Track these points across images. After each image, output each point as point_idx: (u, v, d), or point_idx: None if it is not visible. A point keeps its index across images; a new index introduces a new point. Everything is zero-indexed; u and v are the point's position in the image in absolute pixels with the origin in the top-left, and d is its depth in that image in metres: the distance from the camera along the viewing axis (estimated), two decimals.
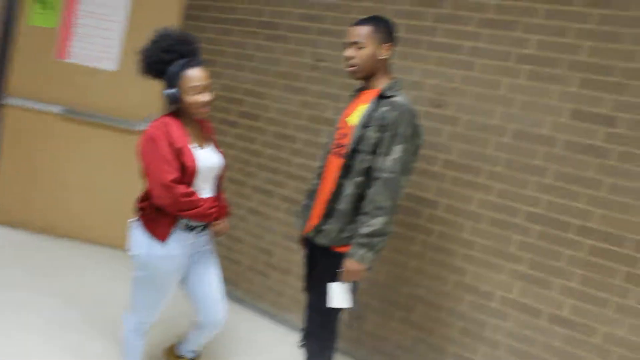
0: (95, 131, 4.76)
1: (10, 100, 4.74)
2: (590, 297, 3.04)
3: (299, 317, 4.06)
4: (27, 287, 3.83)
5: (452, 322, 3.45)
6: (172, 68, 2.60)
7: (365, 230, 2.46)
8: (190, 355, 3.19)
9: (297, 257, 4.05)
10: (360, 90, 2.73)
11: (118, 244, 4.91)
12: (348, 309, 2.67)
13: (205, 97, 2.61)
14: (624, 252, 2.95)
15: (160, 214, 2.62)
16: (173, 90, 2.59)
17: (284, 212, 4.14)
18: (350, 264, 2.50)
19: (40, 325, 3.40)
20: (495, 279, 3.31)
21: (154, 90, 4.58)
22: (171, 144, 2.55)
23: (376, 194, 2.45)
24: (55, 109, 4.72)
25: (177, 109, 2.65)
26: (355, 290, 2.69)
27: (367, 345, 3.76)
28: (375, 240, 2.46)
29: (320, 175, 2.83)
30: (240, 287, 4.37)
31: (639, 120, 2.90)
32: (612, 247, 2.98)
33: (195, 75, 2.58)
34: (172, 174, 2.52)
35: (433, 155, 3.48)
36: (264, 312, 4.23)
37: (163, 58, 2.61)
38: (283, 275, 4.15)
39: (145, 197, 2.67)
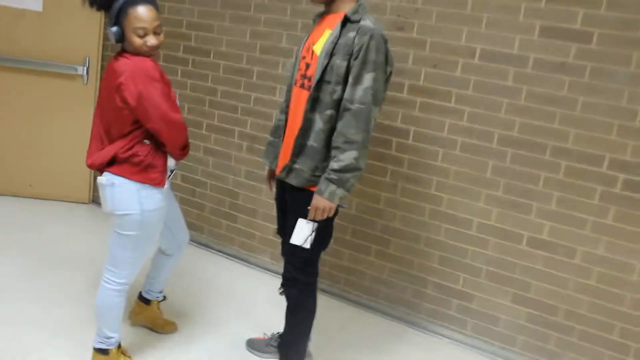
0: (29, 78, 4.47)
1: None
2: (568, 218, 3.05)
3: (271, 258, 4.01)
4: None
5: (431, 252, 3.44)
6: (116, 3, 2.36)
7: (335, 165, 2.33)
8: (160, 297, 3.12)
9: (264, 197, 3.96)
10: (322, 15, 2.54)
11: (74, 198, 4.74)
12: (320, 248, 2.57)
13: (151, 40, 2.39)
14: (600, 171, 2.94)
15: (157, 158, 2.48)
16: (114, 29, 2.38)
17: (246, 151, 4.01)
18: (318, 201, 2.38)
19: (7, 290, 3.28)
20: (473, 206, 3.29)
21: (87, 28, 4.31)
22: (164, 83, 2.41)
23: (346, 127, 2.31)
24: None
25: (132, 48, 2.42)
26: (330, 230, 2.62)
27: (342, 281, 3.75)
28: (346, 176, 2.34)
29: (284, 111, 2.69)
30: (206, 231, 4.28)
31: (612, 35, 2.82)
32: (588, 167, 2.96)
33: (139, 14, 2.33)
34: (180, 113, 2.46)
35: (399, 81, 3.36)
36: (234, 256, 4.16)
37: None
38: (250, 216, 4.06)
39: (130, 145, 2.43)
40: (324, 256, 3.76)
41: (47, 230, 4.17)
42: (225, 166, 4.12)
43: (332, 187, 2.34)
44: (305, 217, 2.46)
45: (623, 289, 2.98)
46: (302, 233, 2.45)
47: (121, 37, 2.40)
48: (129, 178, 2.44)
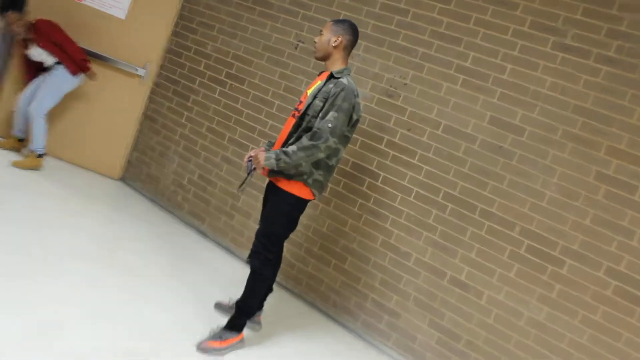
0: (100, 70, 5.54)
1: None
2: (482, 266, 3.95)
3: None
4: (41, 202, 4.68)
5: (375, 274, 4.35)
6: None
7: (284, 149, 3.30)
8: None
9: (259, 204, 4.92)
10: (322, 71, 3.59)
11: (107, 172, 5.77)
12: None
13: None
14: (512, 235, 3.85)
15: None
16: None
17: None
18: (261, 156, 3.29)
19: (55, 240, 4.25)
20: (414, 243, 4.20)
21: (155, 40, 5.41)
22: None
23: (305, 136, 3.28)
24: None
25: None
26: (294, 224, 3.55)
27: (304, 284, 4.66)
28: (283, 157, 3.25)
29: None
30: (206, 222, 5.26)
31: (538, 133, 3.78)
32: (504, 230, 3.88)
33: None
34: None
35: (380, 135, 4.35)
36: (224, 248, 5.11)
37: None
38: (245, 218, 5.03)
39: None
40: (293, 261, 4.69)
41: (85, 194, 5.20)
42: (235, 173, 5.11)
43: (273, 156, 3.27)
44: (273, 207, 3.47)
45: (512, 330, 3.83)
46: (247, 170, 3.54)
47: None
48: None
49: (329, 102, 3.28)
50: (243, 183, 3.73)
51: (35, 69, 5.33)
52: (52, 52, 5.15)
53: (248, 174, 3.57)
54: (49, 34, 5.11)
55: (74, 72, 5.22)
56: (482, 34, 4.01)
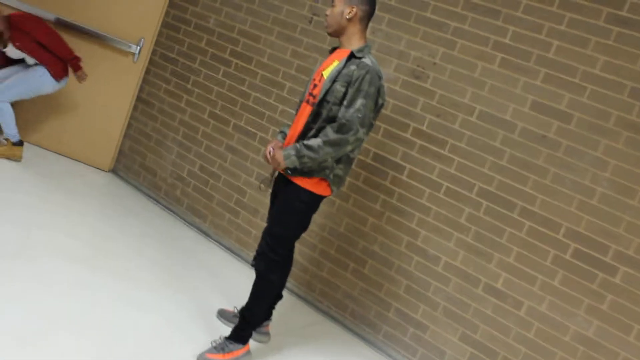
0: (87, 45, 5.49)
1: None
2: (521, 273, 3.85)
3: None
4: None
5: (399, 280, 4.27)
6: None
7: (306, 142, 3.21)
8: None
9: (267, 200, 4.85)
10: (336, 48, 3.49)
11: (96, 163, 5.73)
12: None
13: None
14: (556, 237, 3.74)
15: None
16: None
17: (263, 155, 4.93)
18: (278, 154, 3.24)
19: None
20: (444, 245, 4.12)
21: (149, 12, 5.36)
22: None
23: (330, 128, 3.19)
24: (49, 16, 5.43)
25: None
26: (306, 223, 3.47)
27: (318, 291, 4.60)
28: (306, 152, 3.18)
29: (293, 120, 3.61)
30: (208, 220, 5.21)
31: (590, 121, 3.68)
32: (547, 231, 3.77)
33: None
34: None
35: (405, 122, 4.26)
36: (227, 248, 5.06)
37: None
38: (251, 215, 4.96)
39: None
40: (306, 264, 4.63)
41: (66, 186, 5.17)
42: (241, 165, 5.04)
43: (293, 152, 3.20)
44: (284, 203, 3.39)
45: (556, 346, 3.74)
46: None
47: None
48: None
49: (354, 87, 3.19)
50: (271, 181, 3.62)
51: (11, 60, 5.18)
52: (32, 54, 4.94)
53: (272, 174, 3.56)
54: (28, 32, 4.85)
55: (58, 76, 5.05)
56: (524, 5, 3.89)
